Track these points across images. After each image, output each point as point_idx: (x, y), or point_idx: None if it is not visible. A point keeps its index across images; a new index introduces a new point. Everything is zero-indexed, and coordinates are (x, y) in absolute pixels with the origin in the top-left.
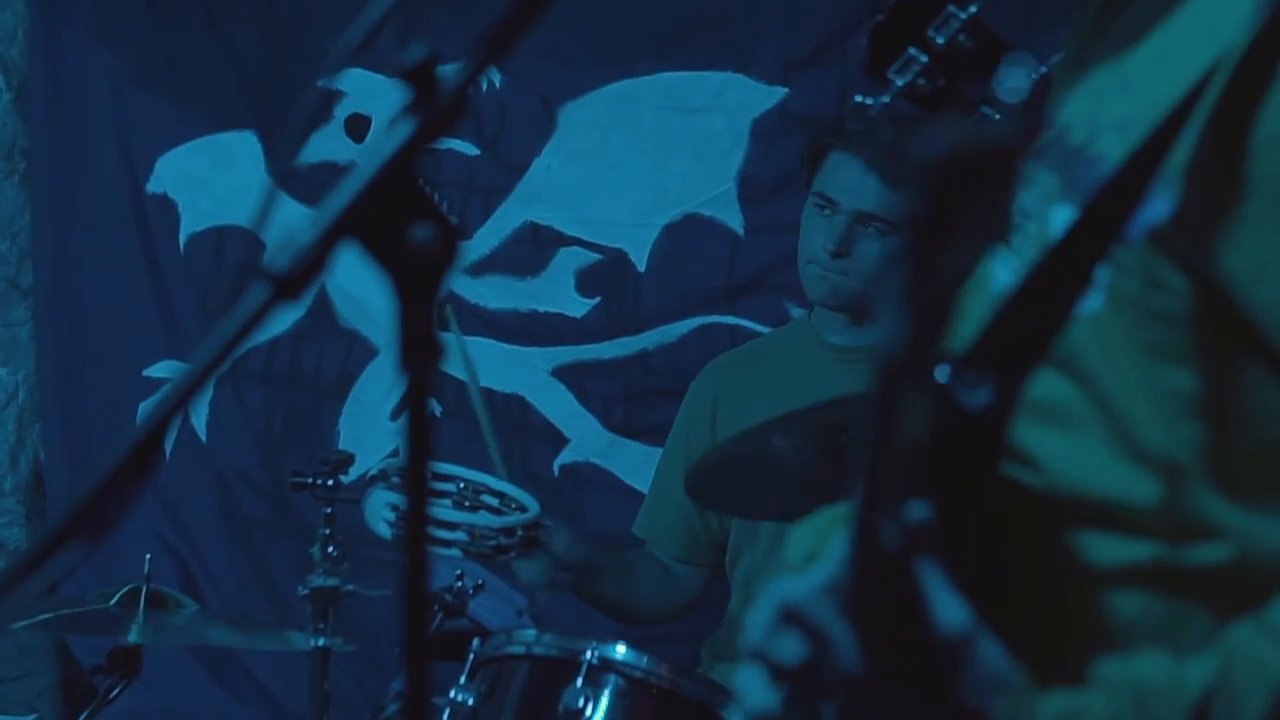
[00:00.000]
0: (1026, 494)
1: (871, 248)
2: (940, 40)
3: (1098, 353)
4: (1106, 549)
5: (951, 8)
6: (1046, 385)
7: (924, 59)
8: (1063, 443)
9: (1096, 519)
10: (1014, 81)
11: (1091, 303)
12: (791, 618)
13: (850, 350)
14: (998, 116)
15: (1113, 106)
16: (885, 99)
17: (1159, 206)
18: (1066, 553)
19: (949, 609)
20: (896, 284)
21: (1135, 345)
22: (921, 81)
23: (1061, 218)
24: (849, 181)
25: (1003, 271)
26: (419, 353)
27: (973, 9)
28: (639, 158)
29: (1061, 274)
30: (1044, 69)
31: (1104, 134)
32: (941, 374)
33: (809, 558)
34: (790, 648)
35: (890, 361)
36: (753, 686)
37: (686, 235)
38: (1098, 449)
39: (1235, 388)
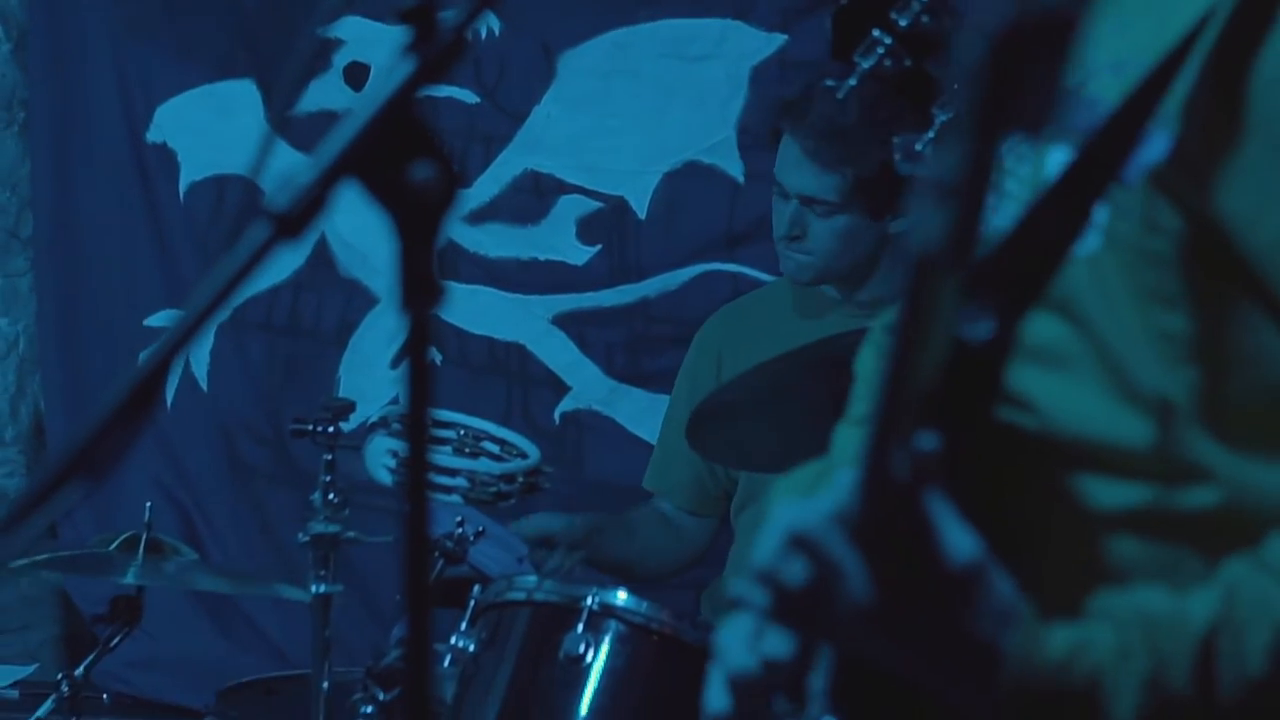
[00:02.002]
0: (1023, 437)
1: (821, 227)
2: (903, 22)
3: (1095, 295)
4: (1104, 492)
5: None
6: (1042, 327)
7: (888, 41)
8: (1058, 385)
9: (1092, 461)
10: None
11: (1089, 244)
12: (800, 543)
13: (849, 299)
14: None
15: (1107, 47)
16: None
17: (1157, 146)
18: (1066, 496)
19: (960, 540)
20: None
21: (1132, 287)
22: (888, 63)
23: (1057, 159)
24: (791, 167)
25: (996, 215)
26: (420, 294)
27: None
28: (639, 105)
29: (1058, 215)
30: None
31: (1099, 74)
32: None
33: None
34: (798, 572)
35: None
36: (736, 647)
37: (687, 183)
38: (1093, 391)
39: (1230, 331)
